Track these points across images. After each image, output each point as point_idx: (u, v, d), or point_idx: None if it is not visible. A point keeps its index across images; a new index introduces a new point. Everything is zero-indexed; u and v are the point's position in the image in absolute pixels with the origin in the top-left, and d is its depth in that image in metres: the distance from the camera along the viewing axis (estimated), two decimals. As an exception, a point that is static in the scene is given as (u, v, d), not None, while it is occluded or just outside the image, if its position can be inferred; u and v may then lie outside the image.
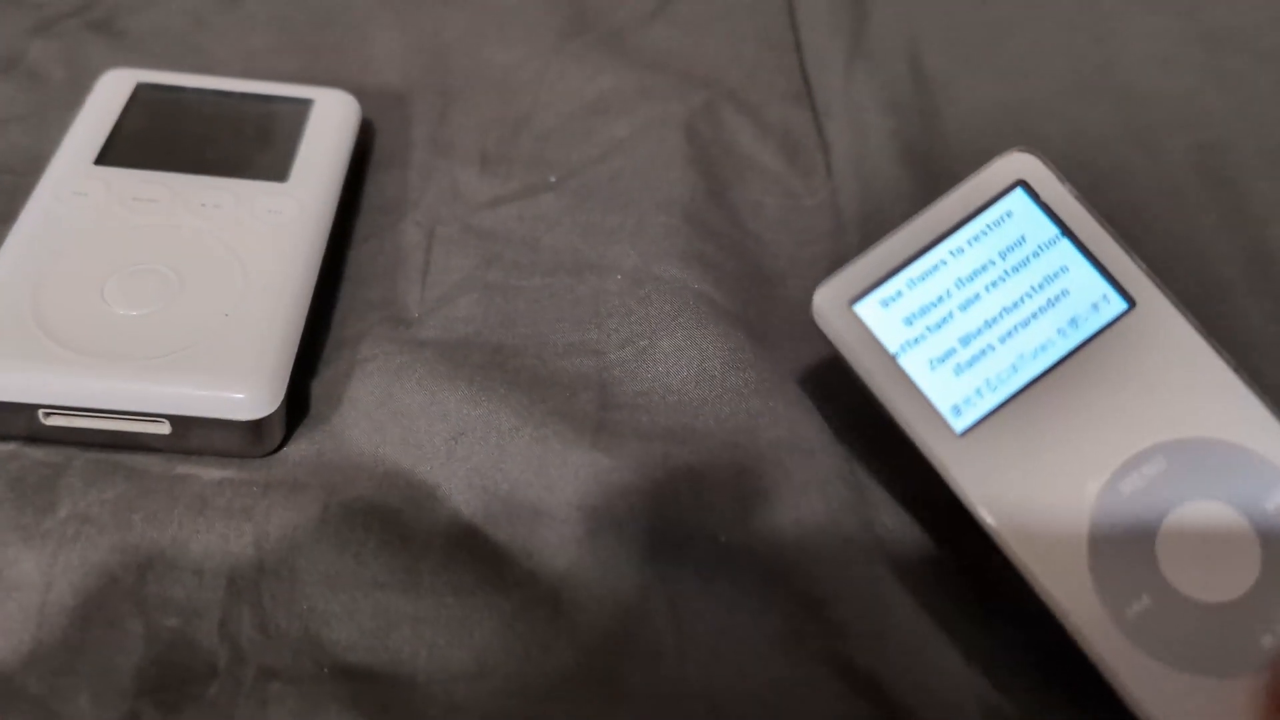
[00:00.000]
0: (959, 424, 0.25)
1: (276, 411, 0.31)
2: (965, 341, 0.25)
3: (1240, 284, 0.38)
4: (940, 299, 0.25)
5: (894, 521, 0.30)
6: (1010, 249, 0.26)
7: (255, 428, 0.30)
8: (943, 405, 0.25)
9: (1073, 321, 0.25)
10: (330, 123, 0.39)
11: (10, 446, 0.31)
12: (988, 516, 0.25)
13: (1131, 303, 0.26)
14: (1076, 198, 0.26)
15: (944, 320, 0.25)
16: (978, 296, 0.25)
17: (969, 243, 0.26)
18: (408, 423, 0.32)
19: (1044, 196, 0.26)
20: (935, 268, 0.26)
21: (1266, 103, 0.44)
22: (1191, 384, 0.25)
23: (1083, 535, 0.24)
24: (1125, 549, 0.24)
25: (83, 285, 0.32)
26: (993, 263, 0.26)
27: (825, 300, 0.25)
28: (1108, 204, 0.39)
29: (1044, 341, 0.25)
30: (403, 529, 0.30)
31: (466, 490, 0.31)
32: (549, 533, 0.30)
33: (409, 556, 0.29)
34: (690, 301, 0.35)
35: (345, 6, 0.46)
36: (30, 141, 0.39)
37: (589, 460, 0.31)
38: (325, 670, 0.27)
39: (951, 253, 0.26)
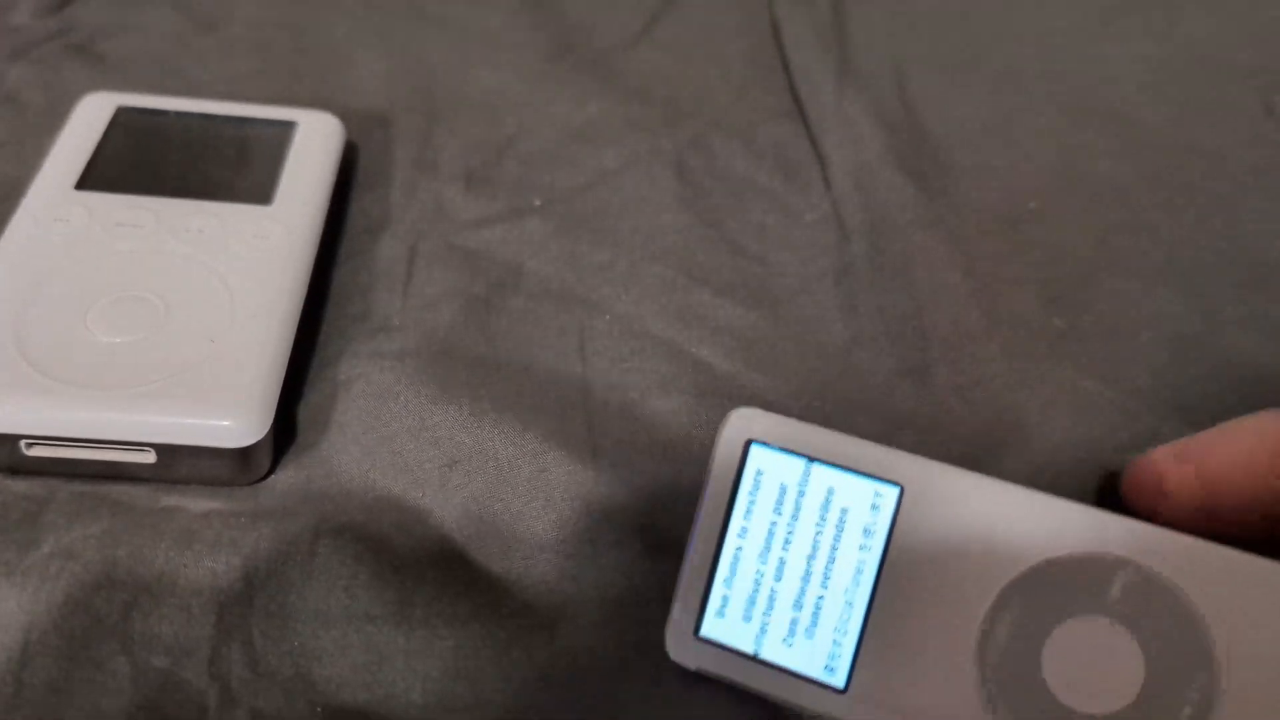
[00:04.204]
0: (838, 680, 0.26)
1: (264, 438, 0.30)
2: (798, 606, 0.26)
3: (1238, 293, 0.38)
4: (757, 582, 0.26)
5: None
6: (780, 501, 0.27)
7: (242, 455, 0.30)
8: (815, 672, 0.26)
9: (866, 531, 0.26)
10: (314, 145, 0.38)
11: (-10, 479, 0.30)
12: None
13: (900, 485, 0.26)
14: (800, 421, 0.27)
15: (771, 598, 0.26)
16: (782, 561, 0.26)
17: (745, 517, 0.27)
18: (397, 447, 0.32)
19: (776, 439, 0.27)
20: (735, 557, 0.27)
21: (1251, 119, 0.45)
22: (997, 523, 0.25)
23: (978, 698, 0.25)
24: (1016, 676, 0.25)
25: (65, 313, 0.31)
26: (775, 523, 0.26)
27: (674, 641, 0.27)
28: (1106, 220, 0.40)
29: (857, 564, 0.26)
30: (395, 559, 0.29)
31: (459, 516, 0.30)
32: (543, 559, 0.30)
33: (401, 588, 0.29)
34: (688, 368, 0.35)
35: (327, 29, 0.46)
36: (9, 167, 0.38)
37: (583, 489, 0.31)
38: (319, 710, 0.27)
39: (739, 535, 0.27)
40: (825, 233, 0.40)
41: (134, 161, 0.37)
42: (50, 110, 0.41)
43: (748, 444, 0.27)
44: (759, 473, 0.27)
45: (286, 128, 0.39)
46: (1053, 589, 0.25)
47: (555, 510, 0.31)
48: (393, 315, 0.36)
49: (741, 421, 0.27)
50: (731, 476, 0.27)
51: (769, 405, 0.33)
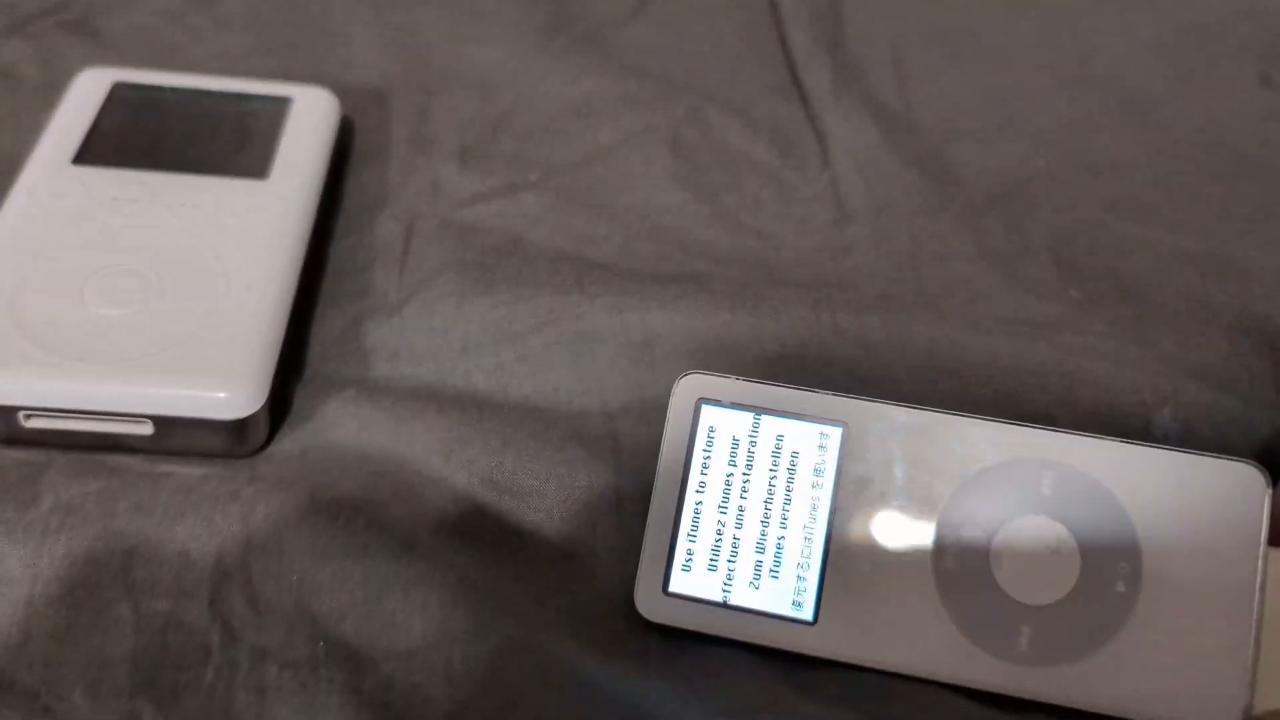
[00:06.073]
0: (806, 613, 0.27)
1: (260, 411, 0.30)
2: (760, 549, 0.28)
3: (1249, 257, 0.38)
4: (719, 532, 0.28)
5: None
6: (734, 453, 0.28)
7: (239, 427, 0.30)
8: (783, 609, 0.27)
9: (817, 470, 0.28)
10: (310, 120, 0.38)
11: (-11, 449, 0.30)
12: (887, 665, 0.27)
13: (843, 424, 0.28)
14: (746, 379, 0.29)
15: (734, 545, 0.28)
16: (741, 509, 0.28)
17: (703, 472, 0.28)
18: (396, 421, 0.32)
19: (724, 397, 0.29)
20: (696, 512, 0.28)
21: (1247, 89, 0.45)
22: (934, 446, 0.28)
23: (938, 604, 0.27)
24: (970, 579, 0.27)
25: (62, 286, 0.32)
26: (730, 474, 0.28)
27: (644, 600, 0.28)
28: (1109, 190, 0.40)
29: (812, 501, 0.28)
30: (393, 518, 0.30)
31: (458, 489, 0.31)
32: (546, 527, 0.30)
33: (400, 531, 0.29)
34: (683, 328, 0.35)
35: (323, 5, 0.46)
36: (5, 142, 0.39)
37: (595, 467, 0.31)
38: (321, 646, 0.27)
39: (698, 490, 0.28)
40: (822, 209, 0.40)
41: (130, 136, 0.37)
42: (46, 86, 0.41)
43: (698, 403, 0.29)
44: (711, 429, 0.29)
45: (282, 103, 0.39)
46: (991, 496, 0.28)
47: (560, 488, 0.31)
48: (390, 292, 0.36)
49: (690, 384, 0.29)
50: (685, 436, 0.29)
51: (771, 354, 0.34)
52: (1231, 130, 0.43)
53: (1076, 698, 0.26)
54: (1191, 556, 0.27)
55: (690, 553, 0.28)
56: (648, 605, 0.28)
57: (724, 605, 0.28)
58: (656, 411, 0.33)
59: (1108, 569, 0.27)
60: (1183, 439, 0.33)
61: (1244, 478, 0.27)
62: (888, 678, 0.27)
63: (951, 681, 0.27)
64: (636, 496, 0.30)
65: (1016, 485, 0.28)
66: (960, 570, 0.27)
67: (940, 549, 0.27)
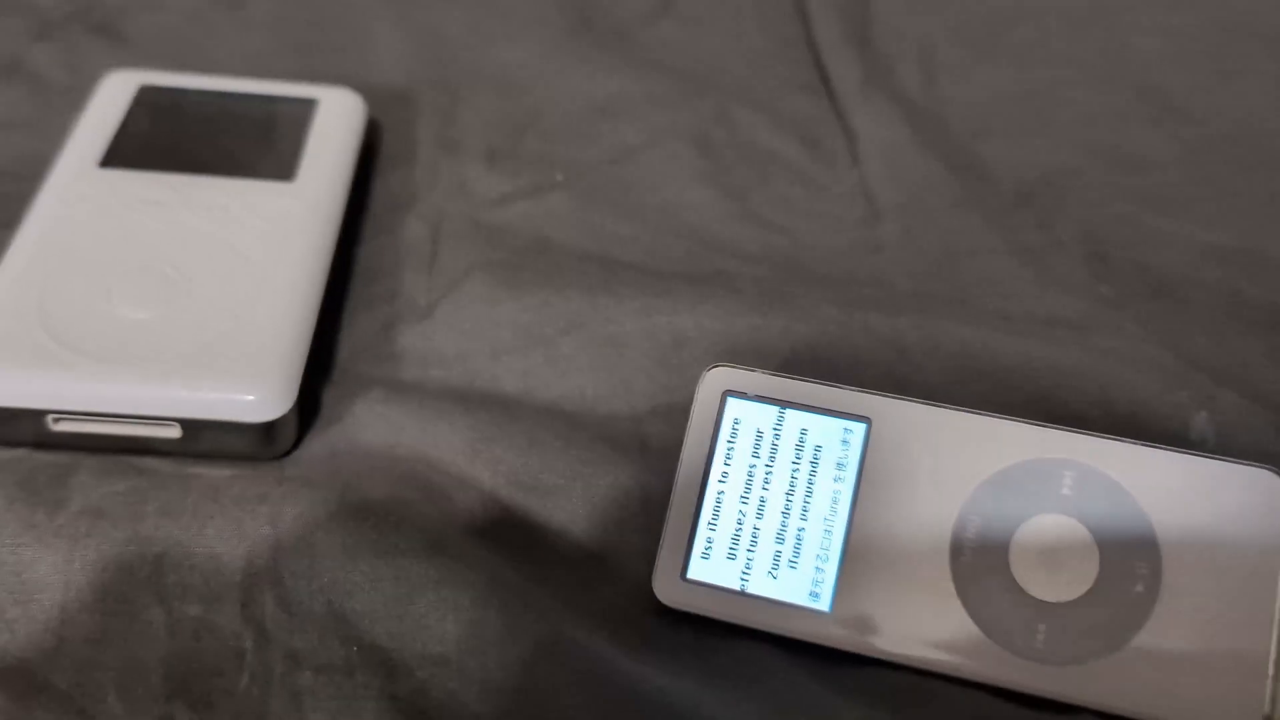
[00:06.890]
0: (823, 604, 0.27)
1: (289, 413, 0.30)
2: (780, 540, 0.28)
3: None
4: (739, 522, 0.28)
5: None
6: (757, 445, 0.29)
7: (267, 430, 0.30)
8: (800, 599, 0.28)
9: (839, 465, 0.28)
10: (336, 121, 0.38)
11: (18, 452, 0.30)
12: (902, 657, 0.27)
13: (867, 420, 0.29)
14: (772, 373, 0.29)
15: (754, 535, 0.28)
16: (763, 500, 0.28)
17: (726, 463, 0.29)
18: (424, 423, 0.32)
19: (749, 390, 0.29)
20: (718, 501, 0.28)
21: (1278, 83, 0.44)
22: (956, 444, 0.28)
23: (954, 597, 0.27)
24: (987, 574, 0.27)
25: (89, 288, 0.32)
26: (754, 466, 0.29)
27: (662, 585, 0.28)
28: (1139, 186, 0.40)
29: (833, 494, 0.28)
30: (422, 518, 0.29)
31: (487, 491, 0.30)
32: (575, 526, 0.30)
33: (430, 530, 0.29)
34: (714, 324, 0.35)
35: (346, 6, 0.46)
36: (33, 146, 0.39)
37: (622, 469, 0.31)
38: (355, 651, 0.27)
39: (720, 480, 0.29)
40: (852, 207, 0.40)
41: (157, 139, 0.37)
42: (73, 89, 0.41)
43: (724, 395, 0.29)
44: (736, 421, 0.29)
45: (308, 105, 0.38)
46: (1011, 493, 0.28)
47: (586, 489, 0.31)
48: (419, 295, 0.36)
49: (717, 377, 0.29)
50: (710, 427, 0.29)
51: (802, 358, 0.34)
52: (1264, 124, 0.42)
53: (1091, 697, 0.26)
54: (1211, 560, 0.26)
55: (710, 540, 0.28)
56: (665, 591, 0.28)
57: (741, 593, 0.28)
58: (684, 414, 0.32)
59: (1126, 569, 0.27)
60: (1220, 442, 0.32)
61: (1263, 483, 0.27)
62: (928, 680, 0.27)
63: (965, 676, 0.27)
64: (663, 497, 0.30)
65: (1037, 484, 0.28)
66: (978, 566, 0.27)
67: (958, 544, 0.27)
